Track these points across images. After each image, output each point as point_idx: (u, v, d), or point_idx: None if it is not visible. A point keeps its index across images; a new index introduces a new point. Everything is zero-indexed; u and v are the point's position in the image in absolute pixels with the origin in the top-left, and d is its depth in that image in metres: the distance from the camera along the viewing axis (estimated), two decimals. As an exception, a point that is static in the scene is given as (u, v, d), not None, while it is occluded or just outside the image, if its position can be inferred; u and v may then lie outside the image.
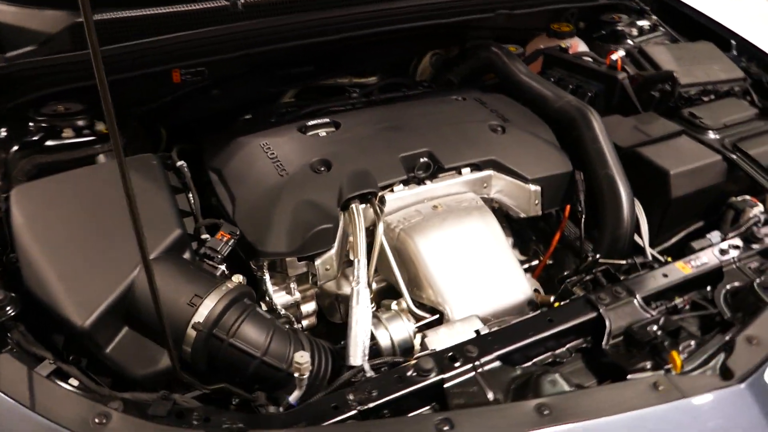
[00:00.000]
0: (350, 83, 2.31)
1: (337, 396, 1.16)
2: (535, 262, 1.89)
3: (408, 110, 1.87)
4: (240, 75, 2.04)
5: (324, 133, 1.77)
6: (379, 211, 1.53)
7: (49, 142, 1.67)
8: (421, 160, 1.66)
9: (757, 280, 1.39)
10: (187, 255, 1.41)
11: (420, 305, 1.49)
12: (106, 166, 1.56)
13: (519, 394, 1.17)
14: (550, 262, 1.88)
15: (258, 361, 1.28)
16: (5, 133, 1.67)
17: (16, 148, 1.64)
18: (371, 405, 1.14)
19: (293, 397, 1.25)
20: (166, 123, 2.00)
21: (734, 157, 1.84)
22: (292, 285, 1.55)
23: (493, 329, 1.32)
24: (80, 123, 1.72)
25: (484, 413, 1.10)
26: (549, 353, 1.31)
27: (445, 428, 1.06)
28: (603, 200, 1.68)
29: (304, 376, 1.22)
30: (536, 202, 1.72)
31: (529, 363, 1.29)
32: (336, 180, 1.58)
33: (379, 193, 1.57)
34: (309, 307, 1.59)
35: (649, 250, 1.64)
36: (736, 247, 1.53)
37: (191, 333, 1.25)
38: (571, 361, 1.32)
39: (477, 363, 1.21)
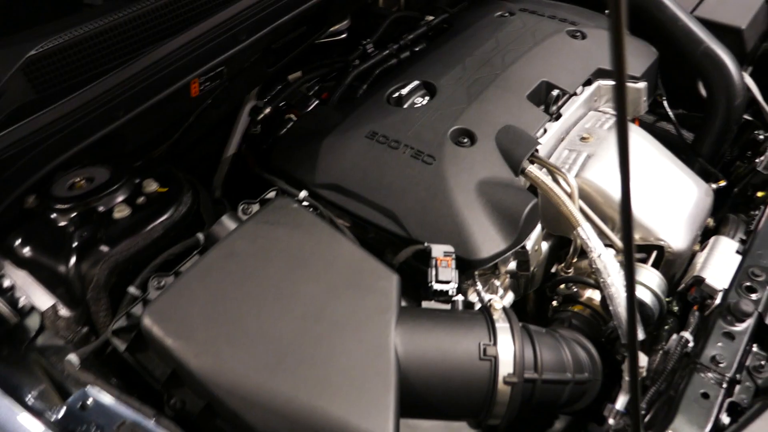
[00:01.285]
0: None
1: (693, 380, 1.04)
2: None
3: (480, 45, 1.62)
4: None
5: (421, 100, 1.48)
6: (554, 166, 1.34)
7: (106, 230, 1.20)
8: (553, 93, 1.47)
9: None
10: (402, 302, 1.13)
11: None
12: (245, 233, 1.14)
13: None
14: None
15: (571, 384, 1.10)
16: (40, 240, 1.16)
17: (74, 259, 1.15)
18: (729, 376, 1.04)
19: (620, 404, 1.10)
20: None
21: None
22: (497, 282, 1.33)
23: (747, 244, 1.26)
24: (124, 192, 1.26)
25: None
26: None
27: None
28: (708, 76, 1.64)
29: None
30: (644, 99, 1.63)
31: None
32: (485, 148, 1.34)
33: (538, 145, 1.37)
34: (509, 298, 1.39)
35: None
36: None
37: (504, 389, 1.03)
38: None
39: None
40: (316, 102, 1.63)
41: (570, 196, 1.31)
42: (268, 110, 1.66)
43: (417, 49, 1.75)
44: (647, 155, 1.47)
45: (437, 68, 1.55)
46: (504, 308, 1.11)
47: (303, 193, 1.29)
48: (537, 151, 1.37)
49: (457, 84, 1.48)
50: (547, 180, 1.31)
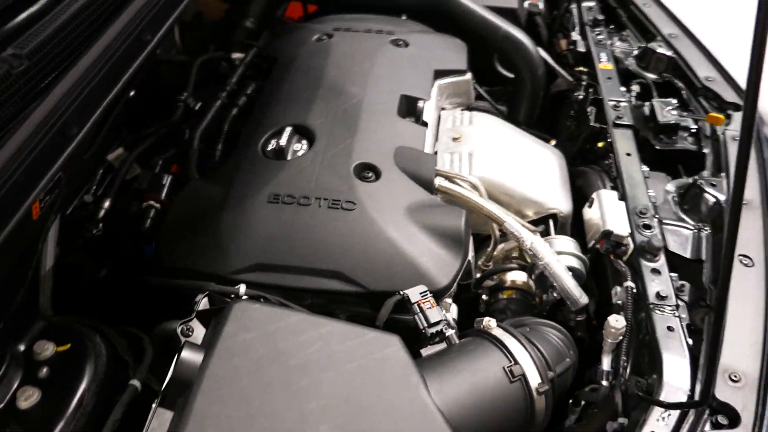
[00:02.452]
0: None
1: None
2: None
3: (320, 78, 1.54)
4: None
5: (299, 146, 1.38)
6: (456, 175, 1.38)
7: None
8: (419, 104, 1.50)
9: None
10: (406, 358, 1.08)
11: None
12: (222, 359, 0.93)
13: None
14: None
15: (572, 367, 1.18)
16: None
17: None
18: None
19: (607, 364, 1.21)
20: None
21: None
22: (448, 300, 1.33)
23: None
24: (14, 372, 0.96)
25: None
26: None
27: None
28: (512, 56, 1.83)
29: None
30: (473, 87, 1.76)
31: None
32: (397, 175, 1.32)
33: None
34: (454, 309, 1.40)
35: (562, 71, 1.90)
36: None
37: (540, 399, 1.06)
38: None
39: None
40: (170, 178, 1.41)
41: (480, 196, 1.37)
42: (107, 203, 1.38)
43: (249, 91, 1.62)
44: (509, 137, 1.61)
45: (297, 109, 1.46)
46: (499, 325, 1.13)
47: (242, 288, 1.12)
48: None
49: (329, 120, 1.42)
50: (459, 189, 1.34)
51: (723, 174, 1.43)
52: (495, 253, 1.46)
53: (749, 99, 0.68)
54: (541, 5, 2.16)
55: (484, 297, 1.45)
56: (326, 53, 1.63)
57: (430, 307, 1.11)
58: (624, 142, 1.54)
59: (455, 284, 1.22)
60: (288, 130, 1.38)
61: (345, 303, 1.20)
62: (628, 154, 1.51)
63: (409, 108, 1.52)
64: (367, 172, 1.32)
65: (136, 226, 1.34)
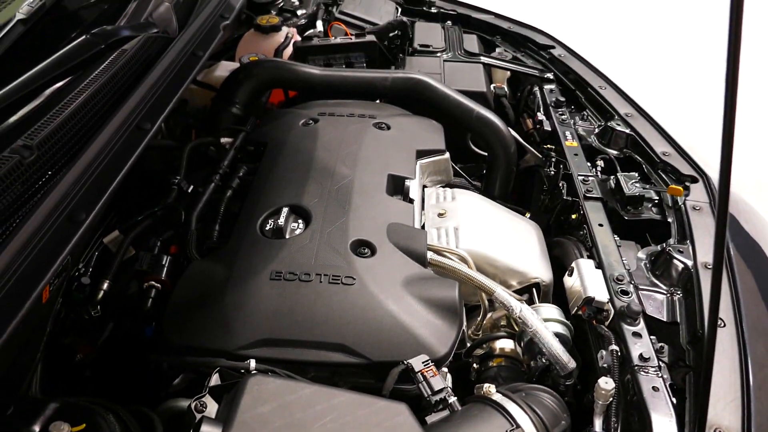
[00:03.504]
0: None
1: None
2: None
3: (311, 161, 1.63)
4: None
5: (295, 225, 1.45)
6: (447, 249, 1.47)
7: None
8: (405, 183, 1.59)
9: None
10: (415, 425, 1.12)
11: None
12: None
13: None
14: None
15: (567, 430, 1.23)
16: None
17: None
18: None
19: (598, 426, 1.27)
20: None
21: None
22: (444, 369, 1.38)
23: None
24: None
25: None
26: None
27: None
28: (485, 136, 1.97)
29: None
30: (450, 166, 1.88)
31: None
32: (391, 250, 1.40)
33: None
34: (449, 378, 1.45)
35: (530, 148, 2.06)
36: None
37: None
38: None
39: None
40: (169, 259, 1.45)
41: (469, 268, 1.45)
42: (106, 285, 1.41)
43: (242, 174, 1.69)
44: (490, 211, 1.71)
45: (291, 190, 1.53)
46: (498, 390, 1.18)
47: (252, 363, 1.15)
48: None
49: (323, 200, 1.49)
50: (450, 262, 1.42)
51: (688, 241, 1.55)
52: (484, 322, 1.53)
53: (724, 172, 0.78)
54: (506, 88, 2.34)
55: (474, 365, 1.51)
56: (314, 137, 1.73)
57: (432, 376, 1.16)
58: (595, 214, 1.66)
59: (452, 353, 1.28)
60: (285, 210, 1.45)
61: (348, 374, 1.24)
62: (601, 225, 1.62)
63: (396, 186, 1.61)
64: (364, 248, 1.39)
65: (138, 306, 1.37)
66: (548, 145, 2.03)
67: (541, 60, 2.38)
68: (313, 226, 1.43)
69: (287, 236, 1.41)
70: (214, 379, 1.11)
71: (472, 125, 1.96)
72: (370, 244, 1.40)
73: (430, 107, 1.96)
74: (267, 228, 1.44)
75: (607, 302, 1.43)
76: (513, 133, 2.01)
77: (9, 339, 0.97)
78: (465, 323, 1.41)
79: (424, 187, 1.78)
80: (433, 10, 2.64)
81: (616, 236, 1.59)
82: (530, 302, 1.55)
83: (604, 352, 1.36)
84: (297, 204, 1.48)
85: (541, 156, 2.04)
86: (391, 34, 2.29)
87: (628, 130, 1.94)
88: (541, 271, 1.60)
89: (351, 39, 2.22)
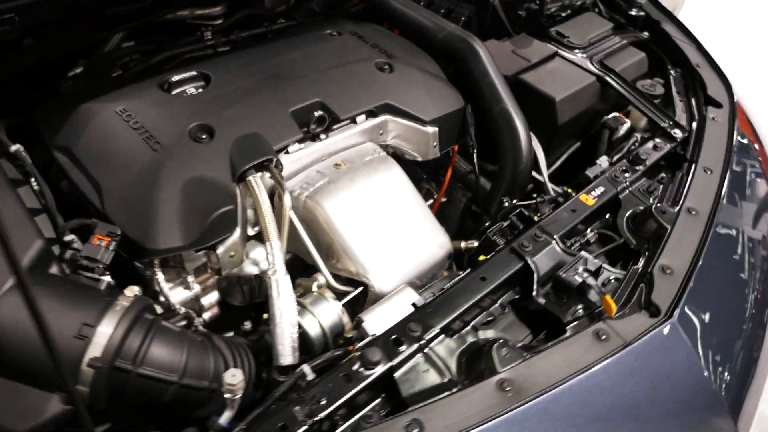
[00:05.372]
0: (192, 16, 1.98)
1: (284, 412, 1.04)
2: (429, 201, 1.85)
3: (283, 53, 1.64)
4: (59, 20, 1.63)
5: (193, 90, 1.50)
6: (280, 179, 1.34)
7: None
8: (316, 113, 1.48)
9: (654, 205, 1.46)
10: (54, 269, 1.14)
11: (338, 278, 1.38)
12: None
13: (471, 368, 1.14)
14: (444, 199, 1.85)
15: (176, 386, 1.10)
16: None
17: None
18: (322, 415, 1.03)
19: (225, 418, 1.10)
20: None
21: (603, 75, 1.89)
22: (190, 278, 1.34)
23: (428, 299, 1.26)
24: None
25: (449, 403, 1.05)
26: (485, 312, 1.29)
27: (415, 431, 1.00)
28: (500, 137, 1.64)
29: (236, 397, 1.07)
30: (434, 144, 1.64)
31: (468, 328, 1.26)
32: (223, 148, 1.35)
33: (275, 158, 1.38)
34: (211, 297, 1.40)
35: (550, 186, 1.66)
36: (625, 171, 1.60)
37: (88, 371, 1.03)
38: (504, 315, 1.31)
39: (423, 342, 1.15)
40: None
41: (277, 211, 1.32)
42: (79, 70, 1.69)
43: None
44: (399, 196, 1.48)
45: (229, 65, 1.57)
46: (137, 297, 1.12)
47: (16, 147, 1.31)
48: (274, 163, 1.37)
49: (232, 83, 1.50)
50: (261, 192, 1.31)
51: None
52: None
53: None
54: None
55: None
56: (312, 43, 1.70)
57: (101, 245, 1.16)
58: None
59: (168, 255, 1.26)
60: (191, 73, 1.53)
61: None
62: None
63: (313, 115, 1.49)
64: (203, 134, 1.38)
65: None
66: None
67: None
68: (199, 96, 1.47)
69: (174, 92, 1.48)
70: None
71: (493, 117, 1.65)
72: (213, 133, 1.38)
73: (464, 78, 1.70)
74: (166, 80, 1.51)
75: (371, 335, 1.17)
76: (537, 146, 1.64)
77: None
78: (222, 250, 1.33)
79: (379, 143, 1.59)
80: (633, 11, 2.15)
81: None
82: (351, 300, 1.35)
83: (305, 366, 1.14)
84: (207, 73, 1.53)
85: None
86: (527, 4, 1.96)
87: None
88: (380, 277, 1.35)
89: (466, -16, 1.99)
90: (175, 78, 1.49)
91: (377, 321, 1.21)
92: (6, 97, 1.56)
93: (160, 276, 1.28)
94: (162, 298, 1.31)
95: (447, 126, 1.65)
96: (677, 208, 1.47)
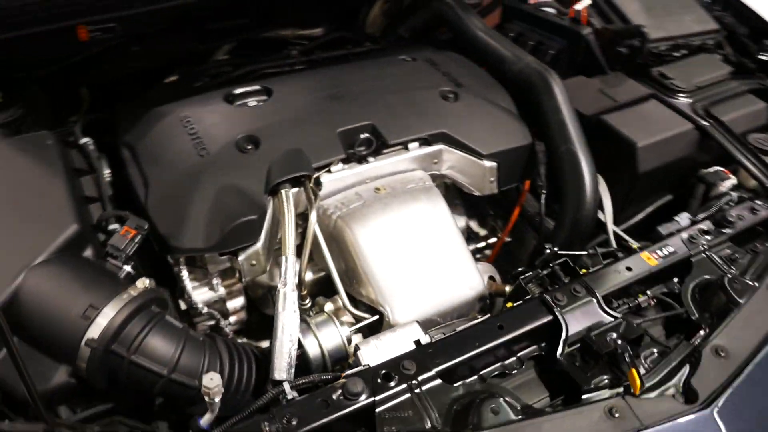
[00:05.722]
0: (293, 36, 2.07)
1: (252, 425, 1.01)
2: (492, 240, 1.75)
3: (351, 74, 1.66)
4: (163, 30, 1.78)
5: (254, 103, 1.55)
6: (313, 196, 1.33)
7: None
8: (362, 135, 1.46)
9: (729, 275, 1.26)
10: (89, 252, 1.22)
11: (358, 303, 1.34)
12: None
13: (460, 420, 1.04)
14: (509, 239, 1.74)
15: (165, 379, 1.12)
16: None
17: None
18: (289, 437, 0.99)
19: (205, 420, 1.10)
20: (82, 86, 1.75)
21: (706, 124, 1.68)
22: (215, 281, 1.37)
23: (435, 338, 1.17)
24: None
25: (419, 449, 0.97)
26: (498, 363, 1.18)
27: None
28: (564, 178, 1.52)
29: (215, 400, 1.07)
30: (492, 179, 1.55)
31: (474, 377, 1.15)
32: (264, 161, 1.38)
33: (314, 175, 1.37)
34: (237, 302, 1.42)
35: (612, 238, 1.50)
36: (706, 232, 1.40)
37: (85, 350, 1.08)
38: (522, 371, 1.19)
39: (414, 382, 1.07)
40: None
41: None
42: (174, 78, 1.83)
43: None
44: (435, 228, 1.41)
45: (295, 82, 1.61)
46: (146, 289, 1.15)
47: (85, 140, 1.43)
48: (312, 180, 1.36)
49: (292, 99, 1.53)
50: (288, 206, 1.30)
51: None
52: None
53: None
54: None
55: None
56: (384, 68, 1.71)
57: (127, 236, 1.23)
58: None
59: (189, 255, 1.31)
60: (254, 86, 1.58)
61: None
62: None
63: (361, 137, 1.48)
64: (249, 145, 1.41)
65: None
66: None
67: None
68: (257, 109, 1.52)
69: (236, 104, 1.55)
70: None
71: (559, 156, 1.52)
72: (259, 145, 1.41)
73: (535, 113, 1.60)
74: (231, 93, 1.58)
75: (365, 365, 1.12)
76: (604, 189, 1.49)
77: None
78: (243, 258, 1.33)
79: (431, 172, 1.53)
80: (763, 56, 1.90)
81: None
82: (368, 327, 1.31)
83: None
84: (270, 88, 1.58)
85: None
86: (628, 41, 1.80)
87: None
88: (398, 309, 1.29)
89: (560, 20, 1.86)
90: (239, 90, 1.55)
91: (374, 352, 1.15)
92: (112, 94, 1.74)
93: (184, 273, 1.33)
94: (186, 296, 1.35)
95: (508, 162, 1.55)
96: (758, 284, 1.25)
